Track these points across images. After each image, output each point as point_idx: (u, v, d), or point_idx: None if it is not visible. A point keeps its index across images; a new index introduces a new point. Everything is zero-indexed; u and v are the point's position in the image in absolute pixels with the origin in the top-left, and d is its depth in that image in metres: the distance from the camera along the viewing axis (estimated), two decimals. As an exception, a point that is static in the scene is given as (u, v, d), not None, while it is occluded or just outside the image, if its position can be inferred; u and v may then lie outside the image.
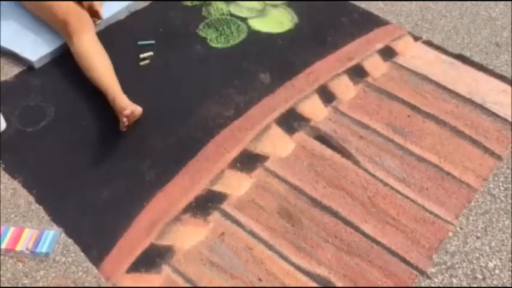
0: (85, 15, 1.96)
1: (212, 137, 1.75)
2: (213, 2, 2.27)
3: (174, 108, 1.84)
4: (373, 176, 1.65)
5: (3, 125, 1.75)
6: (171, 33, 2.13)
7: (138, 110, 1.71)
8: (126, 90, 1.89)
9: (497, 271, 1.44)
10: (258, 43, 2.10)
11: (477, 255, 1.47)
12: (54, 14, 1.94)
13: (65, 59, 2.00)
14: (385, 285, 1.40)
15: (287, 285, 1.40)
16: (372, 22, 2.19)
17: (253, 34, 2.14)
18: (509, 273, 1.43)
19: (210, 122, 1.80)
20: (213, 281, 1.41)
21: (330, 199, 1.59)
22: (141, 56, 2.00)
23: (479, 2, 2.29)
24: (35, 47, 1.99)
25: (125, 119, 1.67)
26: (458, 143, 1.74)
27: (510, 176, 1.65)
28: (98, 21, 2.06)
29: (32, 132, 1.76)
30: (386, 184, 1.63)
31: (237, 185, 1.62)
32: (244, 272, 1.43)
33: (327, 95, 1.89)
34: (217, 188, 1.61)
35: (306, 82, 1.93)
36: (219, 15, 2.22)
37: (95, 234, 1.50)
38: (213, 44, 2.09)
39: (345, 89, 1.92)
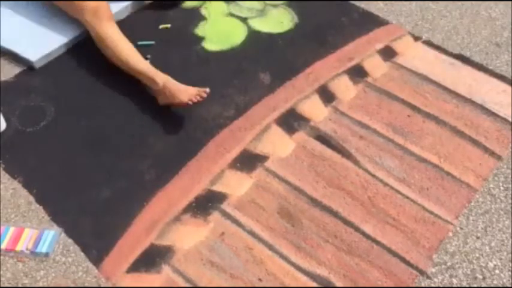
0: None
1: (212, 137, 1.75)
2: (213, 2, 2.27)
3: (174, 108, 1.84)
4: (373, 176, 1.65)
5: (3, 125, 1.75)
6: (171, 33, 2.13)
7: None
8: (125, 89, 1.89)
9: (497, 271, 1.44)
10: (258, 43, 2.10)
11: (477, 255, 1.47)
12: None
13: (65, 59, 2.01)
14: (385, 285, 1.40)
15: (287, 285, 1.40)
16: (372, 22, 2.19)
17: (253, 34, 2.14)
18: (509, 273, 1.43)
19: (210, 122, 1.80)
20: (213, 281, 1.41)
21: (330, 199, 1.59)
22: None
23: (479, 2, 2.29)
24: (35, 47, 1.99)
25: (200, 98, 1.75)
26: (458, 143, 1.75)
27: (510, 176, 1.65)
28: None
29: (32, 132, 1.76)
30: (386, 184, 1.63)
31: (237, 185, 1.62)
32: (244, 272, 1.43)
33: (327, 95, 1.89)
34: (217, 188, 1.61)
35: (306, 82, 1.93)
36: (218, 15, 2.22)
37: (95, 234, 1.50)
38: (213, 44, 2.09)
39: (345, 89, 1.92)
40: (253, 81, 1.94)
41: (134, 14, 2.22)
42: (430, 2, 2.29)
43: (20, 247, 1.46)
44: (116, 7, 2.16)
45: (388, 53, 2.05)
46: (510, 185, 1.63)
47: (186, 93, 1.75)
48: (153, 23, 2.17)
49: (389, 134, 1.77)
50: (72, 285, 1.40)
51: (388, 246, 1.48)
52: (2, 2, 2.14)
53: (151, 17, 2.20)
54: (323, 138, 1.75)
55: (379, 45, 2.09)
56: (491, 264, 1.45)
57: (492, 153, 1.71)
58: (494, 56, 2.05)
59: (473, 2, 2.30)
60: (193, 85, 1.91)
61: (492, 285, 1.41)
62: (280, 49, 2.08)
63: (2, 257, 1.45)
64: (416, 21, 2.20)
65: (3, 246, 1.46)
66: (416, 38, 2.12)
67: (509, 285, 1.41)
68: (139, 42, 2.06)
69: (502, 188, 1.62)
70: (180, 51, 2.06)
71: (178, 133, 1.77)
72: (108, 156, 1.69)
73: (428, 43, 2.10)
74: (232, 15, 2.23)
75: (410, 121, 1.81)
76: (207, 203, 1.57)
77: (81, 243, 1.48)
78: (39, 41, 2.01)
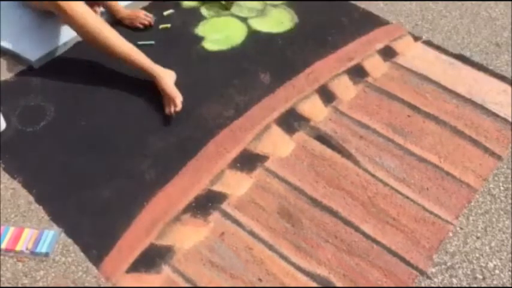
0: None
1: (212, 137, 1.75)
2: (213, 2, 2.27)
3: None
4: (373, 176, 1.65)
5: (3, 125, 1.75)
6: (171, 33, 2.13)
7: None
8: (125, 89, 1.89)
9: (497, 271, 1.44)
10: (258, 43, 2.10)
11: (477, 255, 1.47)
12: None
13: (65, 59, 2.01)
14: (385, 285, 1.40)
15: (287, 285, 1.40)
16: (372, 22, 2.19)
17: (253, 34, 2.14)
18: (509, 273, 1.43)
19: (210, 122, 1.80)
20: (213, 281, 1.41)
21: (330, 199, 1.59)
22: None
23: (479, 2, 2.29)
24: (35, 47, 1.99)
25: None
26: (458, 143, 1.75)
27: (510, 176, 1.65)
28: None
29: (32, 132, 1.76)
30: (386, 184, 1.63)
31: (237, 185, 1.62)
32: (244, 272, 1.43)
33: (327, 95, 1.89)
34: (217, 188, 1.61)
35: (306, 82, 1.93)
36: (219, 15, 2.22)
37: (95, 234, 1.50)
38: (213, 44, 2.09)
39: (345, 89, 1.92)
40: (253, 81, 1.94)
41: (134, 14, 2.22)
42: (430, 2, 2.29)
43: (19, 247, 1.45)
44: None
45: (388, 53, 2.06)
46: (510, 185, 1.63)
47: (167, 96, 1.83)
48: (153, 23, 2.17)
49: (389, 134, 1.77)
50: (72, 285, 1.40)
51: (388, 246, 1.48)
52: (2, 2, 2.14)
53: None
54: (323, 138, 1.75)
55: (379, 45, 2.09)
56: (491, 264, 1.45)
57: (492, 153, 1.71)
58: (494, 56, 2.05)
59: (473, 2, 2.30)
60: (194, 85, 1.92)
61: (492, 285, 1.41)
62: (280, 49, 2.08)
63: (1, 257, 1.45)
64: (416, 21, 2.20)
65: (3, 246, 1.46)
66: (416, 38, 2.12)
67: (509, 285, 1.41)
68: (139, 42, 2.06)
69: (502, 188, 1.62)
70: (180, 51, 2.06)
71: (178, 133, 1.77)
72: (108, 156, 1.69)
73: (428, 43, 2.10)
74: (232, 15, 2.23)
75: (410, 121, 1.81)
76: (207, 203, 1.57)
77: (81, 243, 1.48)
78: (39, 41, 2.01)
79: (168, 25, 2.15)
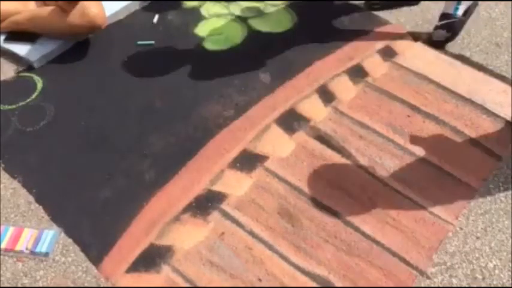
0: None
1: (212, 137, 1.75)
2: (213, 2, 2.27)
3: (174, 108, 1.84)
4: (373, 176, 1.65)
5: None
6: (171, 33, 2.13)
7: None
8: (125, 89, 1.89)
9: (497, 271, 1.43)
10: (258, 43, 2.10)
11: (477, 255, 1.47)
12: None
13: (65, 59, 2.01)
14: (385, 285, 1.40)
15: (287, 285, 1.40)
16: (372, 22, 2.19)
17: (253, 34, 2.14)
18: (509, 273, 1.43)
19: (210, 122, 1.80)
20: (212, 281, 1.41)
21: (330, 199, 1.59)
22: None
23: (479, 2, 2.29)
24: (35, 47, 1.99)
25: None
26: (458, 143, 1.74)
27: (510, 176, 1.65)
28: None
29: (32, 132, 1.76)
30: (386, 184, 1.63)
31: (237, 185, 1.62)
32: (244, 272, 1.43)
33: (327, 95, 1.89)
34: (217, 188, 1.61)
35: (306, 82, 1.93)
36: (218, 15, 2.22)
37: (94, 234, 1.50)
38: (213, 44, 2.09)
39: (345, 89, 1.92)
40: (253, 81, 1.94)
41: (134, 14, 2.22)
42: (430, 2, 2.29)
43: (19, 247, 1.46)
44: (115, 7, 2.17)
45: (388, 53, 2.05)
46: (510, 185, 1.62)
47: None
48: (153, 23, 2.17)
49: (389, 134, 1.77)
50: (72, 285, 1.40)
51: (388, 247, 1.48)
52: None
53: (151, 17, 2.20)
54: (323, 138, 1.75)
55: (379, 45, 2.08)
56: (491, 265, 1.45)
57: (492, 154, 1.71)
58: (494, 56, 2.04)
59: (474, 2, 2.29)
60: (194, 85, 1.92)
61: (492, 285, 1.41)
62: (280, 49, 2.08)
63: (1, 257, 1.45)
64: (417, 21, 2.20)
65: (2, 246, 1.46)
66: (417, 38, 2.12)
67: (509, 286, 1.41)
68: (140, 42, 2.06)
69: (502, 188, 1.62)
70: (180, 51, 2.06)
71: (178, 133, 1.77)
72: (108, 156, 1.69)
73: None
74: (232, 15, 2.23)
75: (410, 121, 1.81)
76: (206, 203, 1.57)
77: (81, 243, 1.48)
78: (39, 41, 2.01)
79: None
